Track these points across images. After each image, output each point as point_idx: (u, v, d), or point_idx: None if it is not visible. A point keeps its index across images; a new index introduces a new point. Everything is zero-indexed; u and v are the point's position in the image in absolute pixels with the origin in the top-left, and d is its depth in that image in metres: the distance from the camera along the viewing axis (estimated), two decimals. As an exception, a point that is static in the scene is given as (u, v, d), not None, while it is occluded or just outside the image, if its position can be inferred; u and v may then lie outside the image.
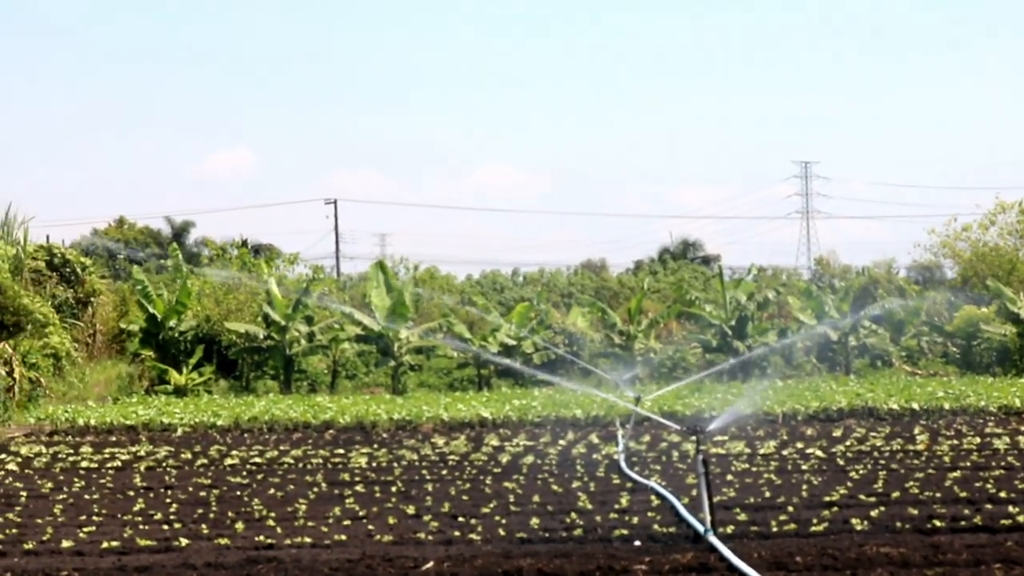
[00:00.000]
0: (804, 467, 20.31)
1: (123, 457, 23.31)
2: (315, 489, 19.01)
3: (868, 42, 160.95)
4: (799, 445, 23.19)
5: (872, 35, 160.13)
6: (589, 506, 16.82)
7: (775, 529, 14.82)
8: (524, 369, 38.89)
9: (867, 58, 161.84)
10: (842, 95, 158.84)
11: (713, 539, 13.74)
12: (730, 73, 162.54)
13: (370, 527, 15.56)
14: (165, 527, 15.89)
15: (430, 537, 14.82)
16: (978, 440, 23.52)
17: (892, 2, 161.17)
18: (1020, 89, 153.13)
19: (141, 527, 15.90)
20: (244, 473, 21.06)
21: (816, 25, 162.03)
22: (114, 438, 27.01)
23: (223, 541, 14.74)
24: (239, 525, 15.82)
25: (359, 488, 18.98)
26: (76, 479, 20.60)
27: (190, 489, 19.24)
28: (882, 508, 16.04)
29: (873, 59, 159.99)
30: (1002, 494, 17.00)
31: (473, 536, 14.81)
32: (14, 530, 15.81)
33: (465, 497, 17.90)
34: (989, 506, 16.14)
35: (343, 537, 14.86)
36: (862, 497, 16.97)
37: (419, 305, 44.41)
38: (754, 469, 20.21)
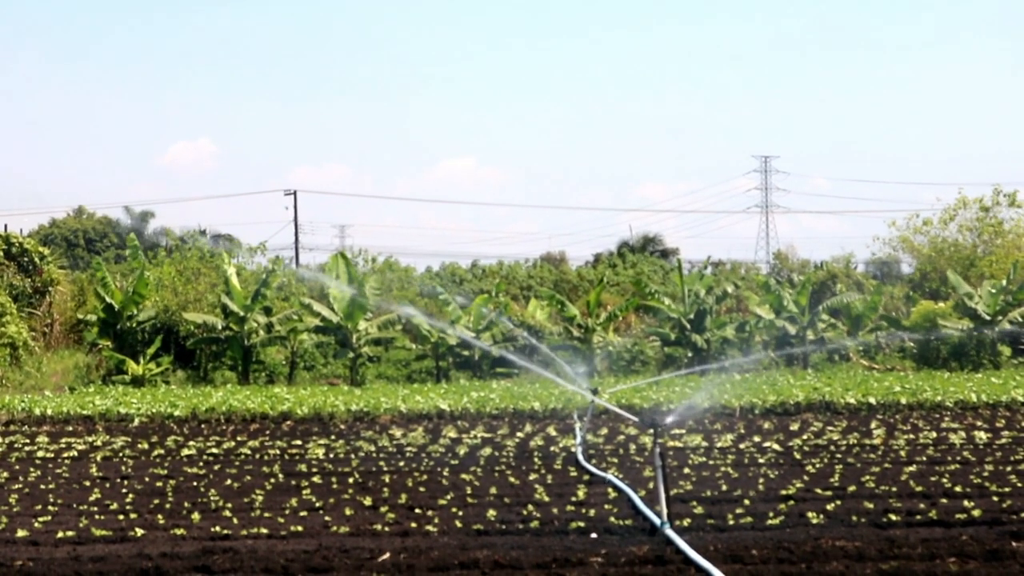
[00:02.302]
0: (761, 461, 20.39)
1: (79, 447, 23.21)
2: (272, 480, 18.97)
3: (829, 39, 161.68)
4: (756, 439, 23.29)
5: (833, 33, 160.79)
6: (546, 498, 16.83)
7: (731, 522, 14.87)
8: (483, 346, 38.85)
9: (828, 55, 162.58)
10: (803, 90, 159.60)
11: (669, 532, 13.77)
12: (692, 69, 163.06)
13: (327, 518, 15.52)
14: (121, 517, 15.82)
15: (386, 528, 14.80)
16: (934, 435, 23.66)
17: (853, 1, 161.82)
18: (982, 86, 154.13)
19: (97, 517, 15.83)
20: (201, 464, 20.99)
21: (778, 23, 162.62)
22: (70, 428, 26.88)
23: (179, 531, 14.69)
24: (195, 516, 15.78)
25: (316, 479, 18.95)
26: (32, 469, 20.50)
27: (146, 479, 19.18)
28: (838, 502, 16.12)
29: (834, 55, 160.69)
30: (957, 488, 17.11)
31: (430, 528, 14.81)
32: (-32, 520, 15.73)
33: (422, 489, 17.89)
34: (944, 500, 16.26)
35: (299, 528, 14.82)
36: (818, 491, 17.05)
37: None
38: (711, 462, 20.27)
